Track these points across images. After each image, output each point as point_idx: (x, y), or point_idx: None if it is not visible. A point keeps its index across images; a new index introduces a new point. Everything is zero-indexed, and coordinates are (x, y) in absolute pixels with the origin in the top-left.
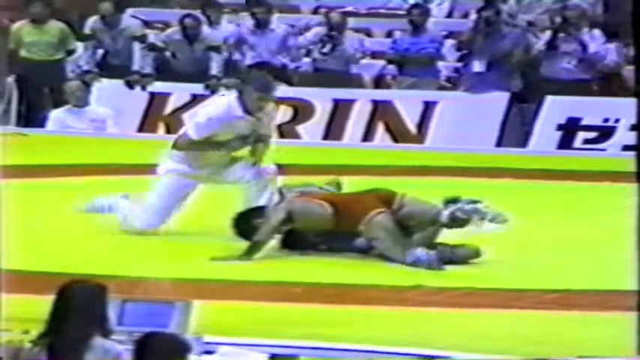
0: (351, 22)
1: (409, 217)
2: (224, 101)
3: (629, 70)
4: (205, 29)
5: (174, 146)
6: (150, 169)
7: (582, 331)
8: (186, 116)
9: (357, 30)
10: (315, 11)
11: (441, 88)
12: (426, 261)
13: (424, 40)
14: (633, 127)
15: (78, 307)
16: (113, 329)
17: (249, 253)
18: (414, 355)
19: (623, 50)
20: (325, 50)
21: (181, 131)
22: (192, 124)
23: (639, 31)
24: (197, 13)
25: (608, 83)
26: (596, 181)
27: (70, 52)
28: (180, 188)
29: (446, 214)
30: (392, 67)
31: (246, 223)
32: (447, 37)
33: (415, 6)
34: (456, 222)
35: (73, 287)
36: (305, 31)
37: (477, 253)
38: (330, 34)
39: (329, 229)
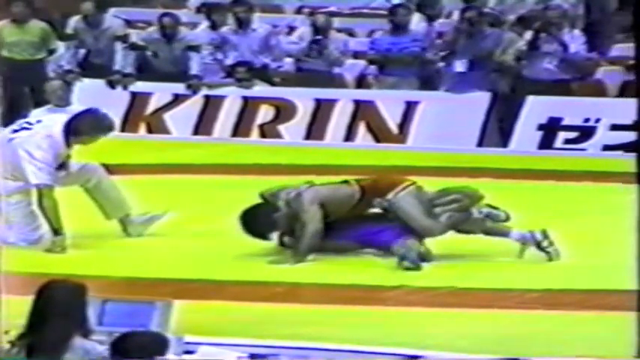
0: (335, 22)
1: (442, 194)
2: (49, 134)
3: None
4: (183, 30)
5: (40, 204)
6: (132, 169)
7: (564, 331)
8: (167, 116)
9: (340, 30)
10: (299, 11)
11: (423, 85)
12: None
13: (406, 39)
14: (614, 127)
15: (57, 306)
16: (93, 329)
17: (298, 258)
18: (396, 354)
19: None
20: (312, 55)
21: (32, 181)
22: (34, 171)
23: (639, 31)
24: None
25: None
26: (576, 181)
27: (51, 52)
28: (29, 205)
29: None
30: (374, 67)
31: (261, 219)
32: None
33: (398, 6)
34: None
35: (52, 287)
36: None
37: None
38: (316, 38)
39: (352, 211)
